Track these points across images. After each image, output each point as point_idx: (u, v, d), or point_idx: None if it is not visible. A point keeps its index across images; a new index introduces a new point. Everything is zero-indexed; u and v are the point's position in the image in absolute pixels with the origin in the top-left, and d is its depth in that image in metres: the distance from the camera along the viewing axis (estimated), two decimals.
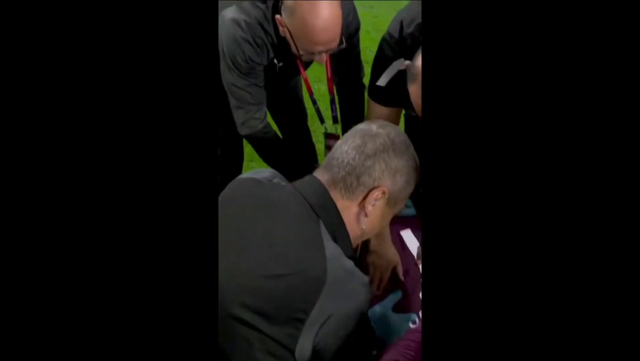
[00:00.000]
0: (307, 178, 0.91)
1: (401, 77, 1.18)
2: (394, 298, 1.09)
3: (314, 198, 0.87)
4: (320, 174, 0.91)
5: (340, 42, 1.26)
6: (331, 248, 0.83)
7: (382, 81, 1.19)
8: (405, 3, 1.25)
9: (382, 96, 1.27)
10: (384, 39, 1.24)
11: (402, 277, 1.12)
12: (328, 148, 1.73)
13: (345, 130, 1.74)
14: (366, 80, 1.38)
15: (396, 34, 1.19)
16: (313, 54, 1.26)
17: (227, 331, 0.78)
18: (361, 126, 0.93)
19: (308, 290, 0.79)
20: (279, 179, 0.94)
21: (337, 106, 1.63)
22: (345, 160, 0.88)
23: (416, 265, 1.15)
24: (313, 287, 0.79)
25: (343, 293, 0.80)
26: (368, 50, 3.62)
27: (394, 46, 1.20)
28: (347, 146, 0.89)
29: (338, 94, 1.63)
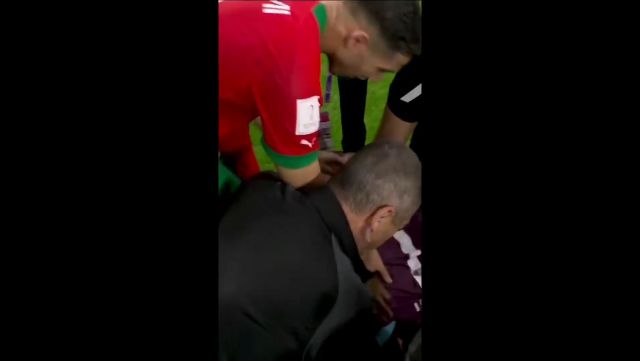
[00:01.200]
0: (322, 190, 0.95)
1: None
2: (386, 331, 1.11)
3: (328, 211, 0.91)
4: (333, 186, 0.96)
5: None
6: (342, 263, 0.86)
7: (408, 97, 1.19)
8: None
9: (406, 112, 1.25)
10: None
11: (389, 279, 1.12)
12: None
13: (344, 118, 1.82)
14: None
15: None
16: None
17: (235, 325, 0.80)
18: (374, 144, 1.00)
19: (321, 304, 0.82)
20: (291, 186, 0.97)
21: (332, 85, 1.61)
22: (357, 178, 0.93)
23: (403, 264, 1.15)
24: (325, 302, 0.82)
25: (351, 309, 0.84)
26: None
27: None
28: (359, 164, 0.94)
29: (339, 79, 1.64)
